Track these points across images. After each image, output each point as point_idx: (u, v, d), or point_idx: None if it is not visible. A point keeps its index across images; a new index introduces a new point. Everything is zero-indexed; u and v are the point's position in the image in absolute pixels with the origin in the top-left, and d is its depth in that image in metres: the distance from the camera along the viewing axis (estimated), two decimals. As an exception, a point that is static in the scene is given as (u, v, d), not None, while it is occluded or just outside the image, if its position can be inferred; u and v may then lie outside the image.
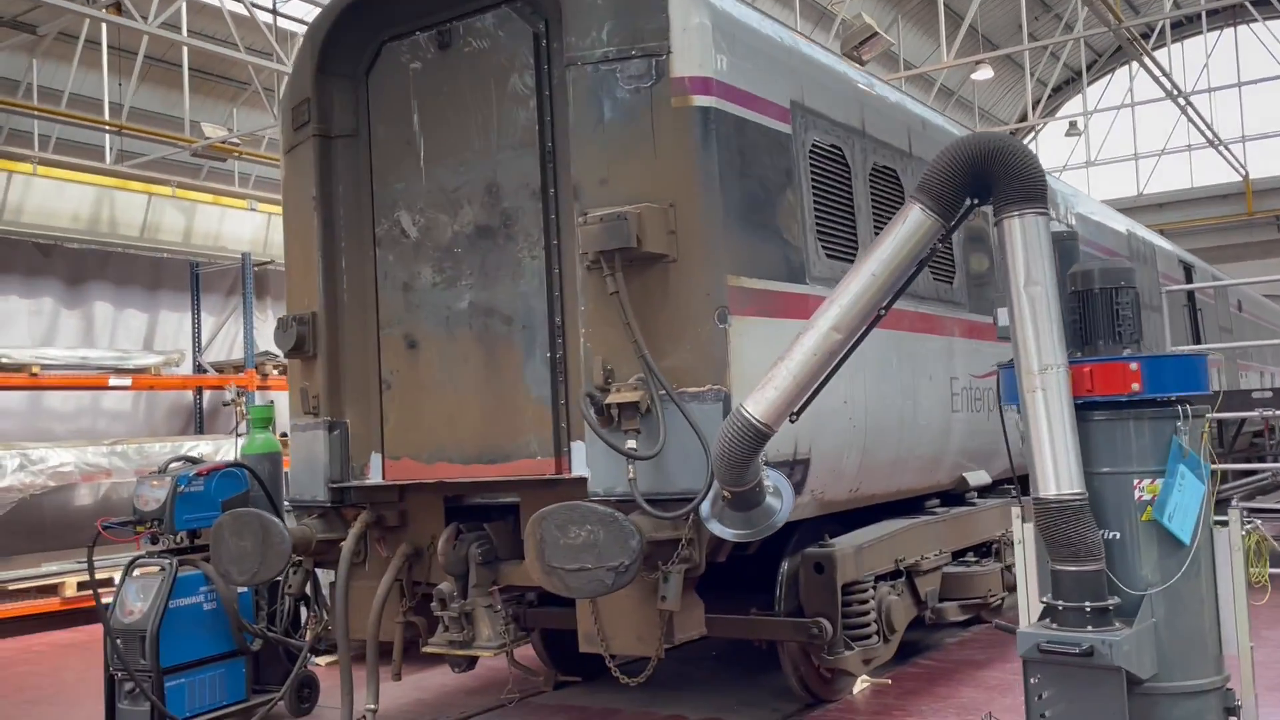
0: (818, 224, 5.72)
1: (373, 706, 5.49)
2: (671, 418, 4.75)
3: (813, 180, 5.71)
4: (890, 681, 6.76)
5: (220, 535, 5.74)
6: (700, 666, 7.51)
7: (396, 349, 5.81)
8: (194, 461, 6.53)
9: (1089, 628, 3.77)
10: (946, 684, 6.85)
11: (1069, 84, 35.09)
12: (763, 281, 5.20)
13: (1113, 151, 34.03)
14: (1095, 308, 4.18)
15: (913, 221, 4.04)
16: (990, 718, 4.54)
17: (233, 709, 6.33)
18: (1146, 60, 20.82)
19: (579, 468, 5.19)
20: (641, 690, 6.97)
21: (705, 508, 4.59)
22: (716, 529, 4.56)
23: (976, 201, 4.10)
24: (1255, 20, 30.92)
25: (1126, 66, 34.25)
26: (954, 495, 7.54)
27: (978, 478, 7.59)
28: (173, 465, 6.40)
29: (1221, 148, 26.92)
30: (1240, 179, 29.92)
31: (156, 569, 6.15)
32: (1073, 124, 31.27)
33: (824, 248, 5.75)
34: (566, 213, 5.29)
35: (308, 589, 6.56)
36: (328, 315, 5.95)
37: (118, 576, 6.35)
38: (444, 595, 5.33)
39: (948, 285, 7.17)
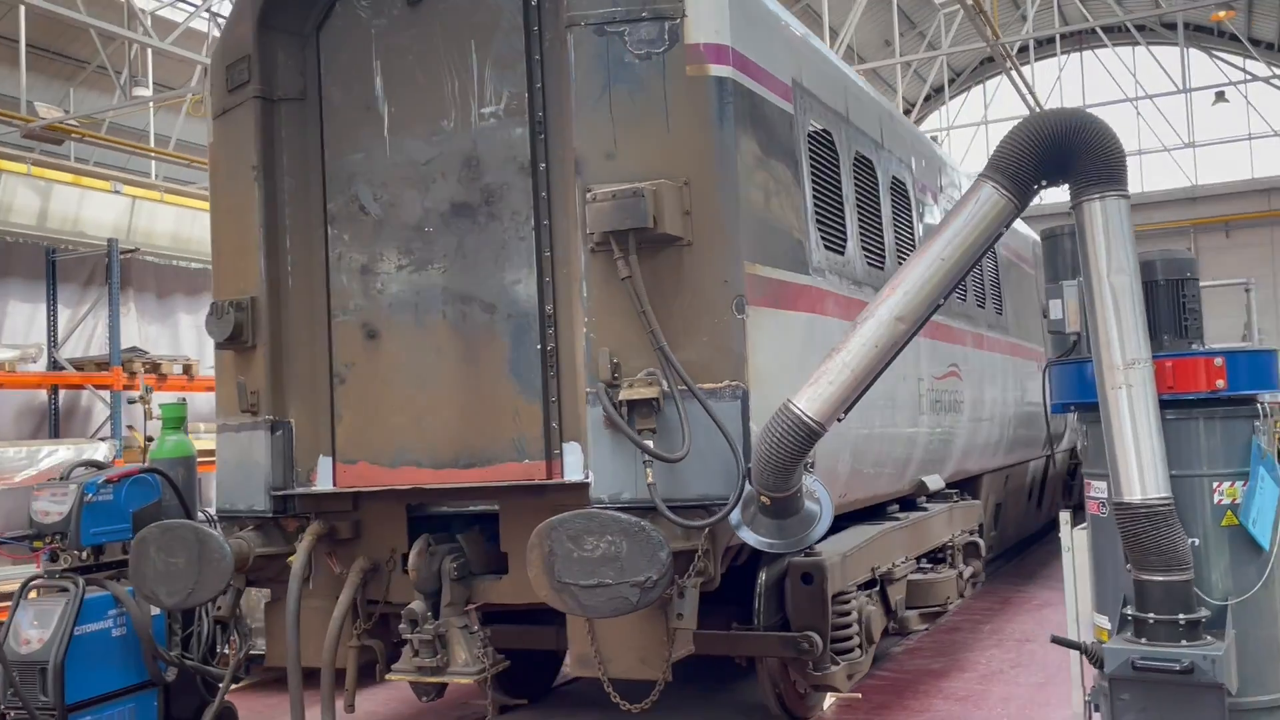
0: (816, 212, 5.36)
1: (330, 744, 4.84)
2: (689, 416, 4.29)
3: (811, 165, 5.35)
4: (860, 696, 6.45)
5: (144, 551, 4.99)
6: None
7: (352, 339, 5.17)
8: (99, 467, 5.72)
9: (1182, 642, 3.50)
10: (914, 696, 6.59)
11: (928, 100, 36.06)
12: (773, 270, 4.80)
13: (968, 167, 35.09)
14: (1160, 301, 3.93)
15: (985, 202, 3.71)
16: None
17: (144, 749, 5.55)
18: (1014, 75, 21.42)
19: (572, 472, 4.68)
20: (604, 713, 6.48)
21: (735, 515, 4.16)
22: (750, 538, 4.14)
23: (1045, 184, 3.80)
24: (1104, 46, 32.38)
25: (982, 85, 35.46)
26: (908, 501, 7.31)
27: (934, 482, 7.37)
28: (76, 471, 5.58)
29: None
30: (1088, 196, 31.18)
31: (57, 590, 5.33)
32: (934, 139, 32.09)
33: (822, 237, 5.40)
34: (560, 189, 4.78)
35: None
36: (270, 300, 5.26)
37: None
38: (415, 615, 4.73)
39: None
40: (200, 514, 6.10)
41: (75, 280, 13.51)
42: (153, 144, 22.13)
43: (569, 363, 4.72)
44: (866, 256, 6.09)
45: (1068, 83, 33.80)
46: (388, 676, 4.89)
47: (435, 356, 4.97)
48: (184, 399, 6.92)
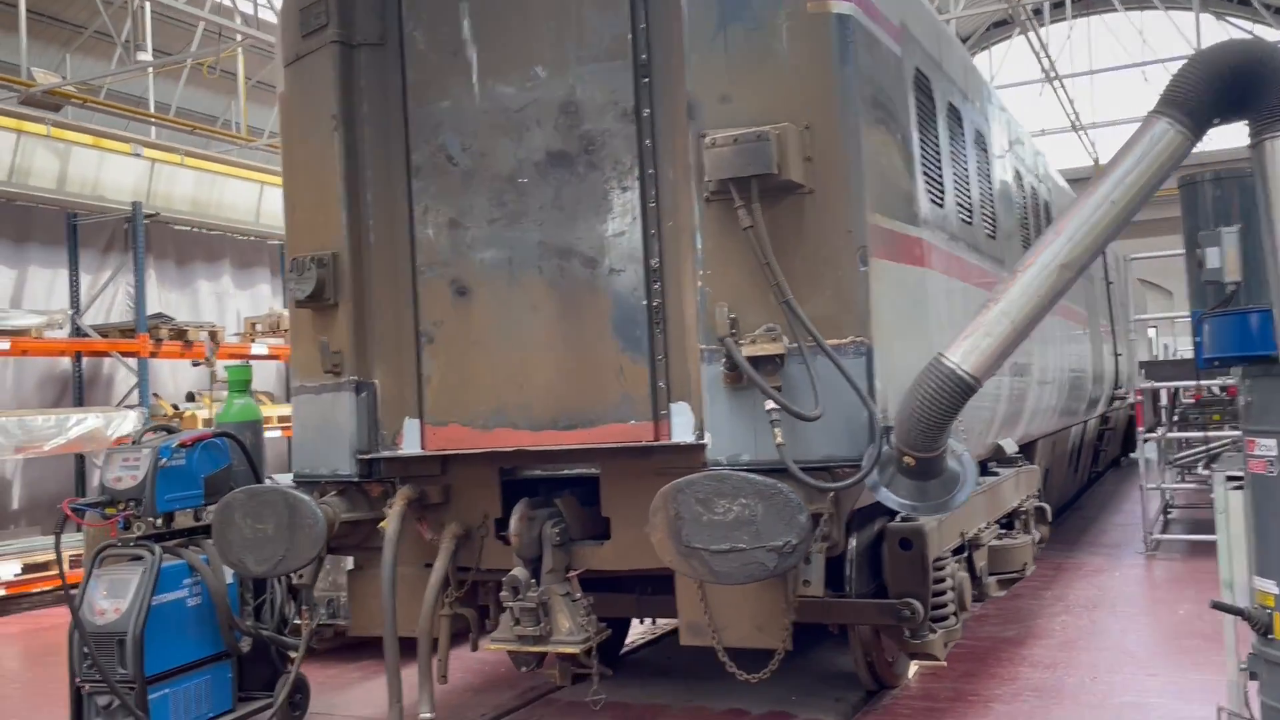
0: (921, 161, 5.13)
1: (429, 715, 4.65)
2: (815, 372, 4.08)
3: (916, 112, 5.12)
4: (945, 664, 6.28)
5: (229, 517, 4.79)
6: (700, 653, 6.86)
7: (440, 296, 4.94)
8: (169, 432, 5.50)
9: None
10: (998, 664, 6.44)
11: (936, 65, 35.62)
12: (889, 221, 4.59)
13: (976, 133, 34.67)
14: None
15: (1159, 139, 3.49)
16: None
17: (220, 721, 5.37)
18: (1032, 37, 21.12)
19: (681, 433, 4.48)
20: (676, 683, 6.32)
21: (873, 476, 3.96)
22: (891, 501, 3.94)
23: (1221, 120, 3.57)
24: (1114, 10, 32.00)
25: (988, 51, 35.08)
26: (980, 465, 7.12)
27: (1010, 446, 7.19)
28: (147, 436, 5.36)
29: (1080, 132, 27.73)
30: (1091, 164, 30.93)
31: (128, 559, 5.12)
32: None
33: (926, 188, 5.18)
34: (666, 136, 4.55)
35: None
36: (353, 256, 5.02)
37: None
38: (517, 583, 4.53)
39: (992, 237, 6.71)
40: (270, 479, 5.89)
41: (94, 246, 13.26)
42: (153, 110, 21.71)
43: (677, 319, 4.50)
44: (959, 211, 5.87)
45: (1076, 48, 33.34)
46: (488, 645, 4.70)
47: (531, 313, 4.75)
48: (249, 362, 6.69)
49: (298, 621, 5.83)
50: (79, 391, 12.52)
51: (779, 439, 3.99)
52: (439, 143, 4.95)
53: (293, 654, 5.50)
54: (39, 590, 10.36)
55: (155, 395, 12.11)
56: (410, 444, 5.02)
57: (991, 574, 6.60)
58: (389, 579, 4.67)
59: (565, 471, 4.89)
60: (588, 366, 4.63)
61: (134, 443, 5.24)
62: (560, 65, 4.70)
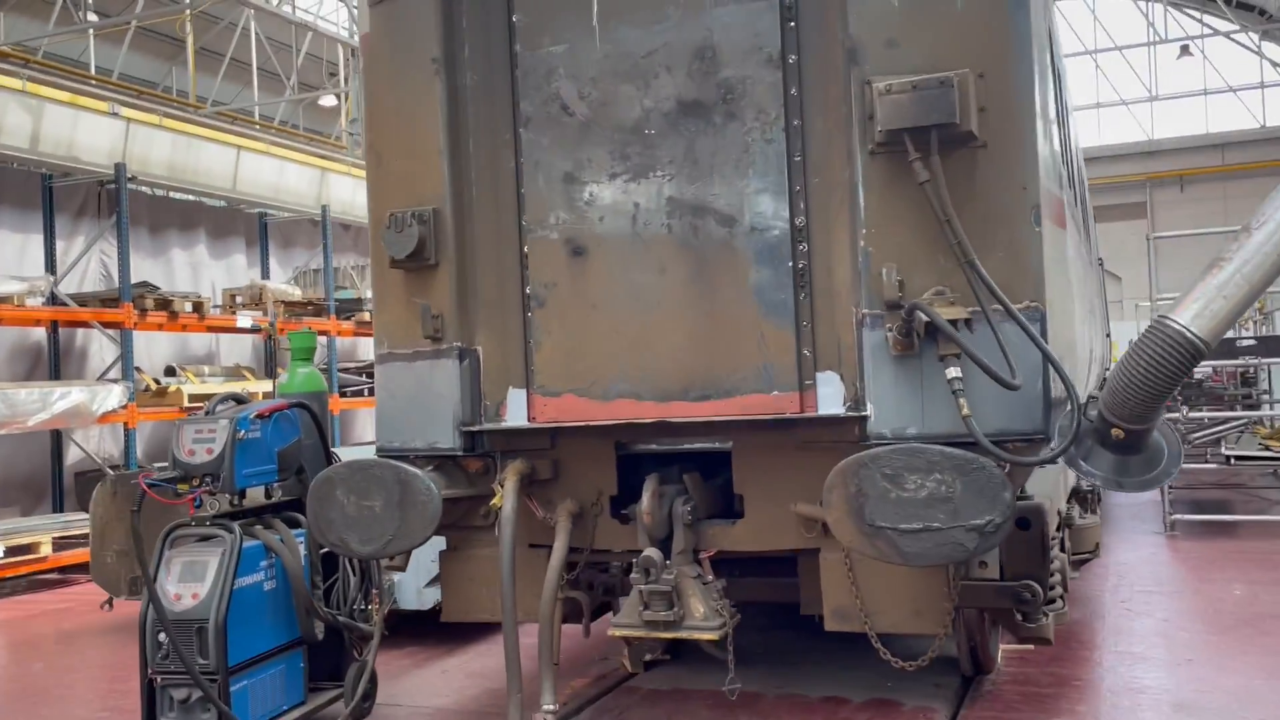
0: (1056, 118, 4.88)
1: (552, 707, 4.31)
2: (986, 341, 3.80)
3: (1052, 67, 4.86)
4: (1033, 647, 6.09)
5: (328, 494, 4.40)
6: (774, 638, 6.61)
7: (552, 256, 4.58)
8: (238, 401, 5.06)
9: None
10: (1080, 646, 6.27)
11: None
12: (1047, 179, 4.32)
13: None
14: None
15: None
16: None
17: (294, 715, 4.97)
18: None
19: (829, 404, 4.18)
20: (757, 669, 6.03)
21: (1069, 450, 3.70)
22: (1095, 476, 3.68)
23: None
24: (1072, -5, 32.14)
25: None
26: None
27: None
28: (220, 406, 4.92)
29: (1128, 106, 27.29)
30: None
31: (196, 539, 4.70)
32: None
33: (1059, 147, 4.93)
34: (814, 85, 4.23)
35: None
36: (456, 213, 4.64)
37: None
38: (652, 564, 4.20)
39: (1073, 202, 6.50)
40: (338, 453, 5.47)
41: (67, 210, 12.58)
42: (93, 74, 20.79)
43: (824, 283, 4.20)
44: (1065, 172, 5.64)
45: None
46: (612, 632, 4.36)
47: (658, 275, 4.41)
48: (310, 329, 6.24)
49: (370, 607, 5.45)
50: (54, 363, 11.86)
51: (965, 410, 3.70)
52: (552, 90, 4.57)
53: (367, 640, 5.13)
54: (15, 576, 9.78)
55: (138, 369, 11.50)
56: (515, 415, 4.65)
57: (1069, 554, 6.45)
58: (509, 561, 4.31)
59: (686, 446, 4.57)
60: (723, 333, 4.30)
61: (207, 413, 4.80)
62: (694, 6, 4.35)
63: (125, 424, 10.92)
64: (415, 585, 6.68)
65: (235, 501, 4.78)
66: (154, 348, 13.34)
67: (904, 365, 3.95)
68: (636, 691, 5.70)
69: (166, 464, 4.85)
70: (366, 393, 14.48)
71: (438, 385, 4.65)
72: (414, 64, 4.70)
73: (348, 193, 15.80)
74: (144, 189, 13.22)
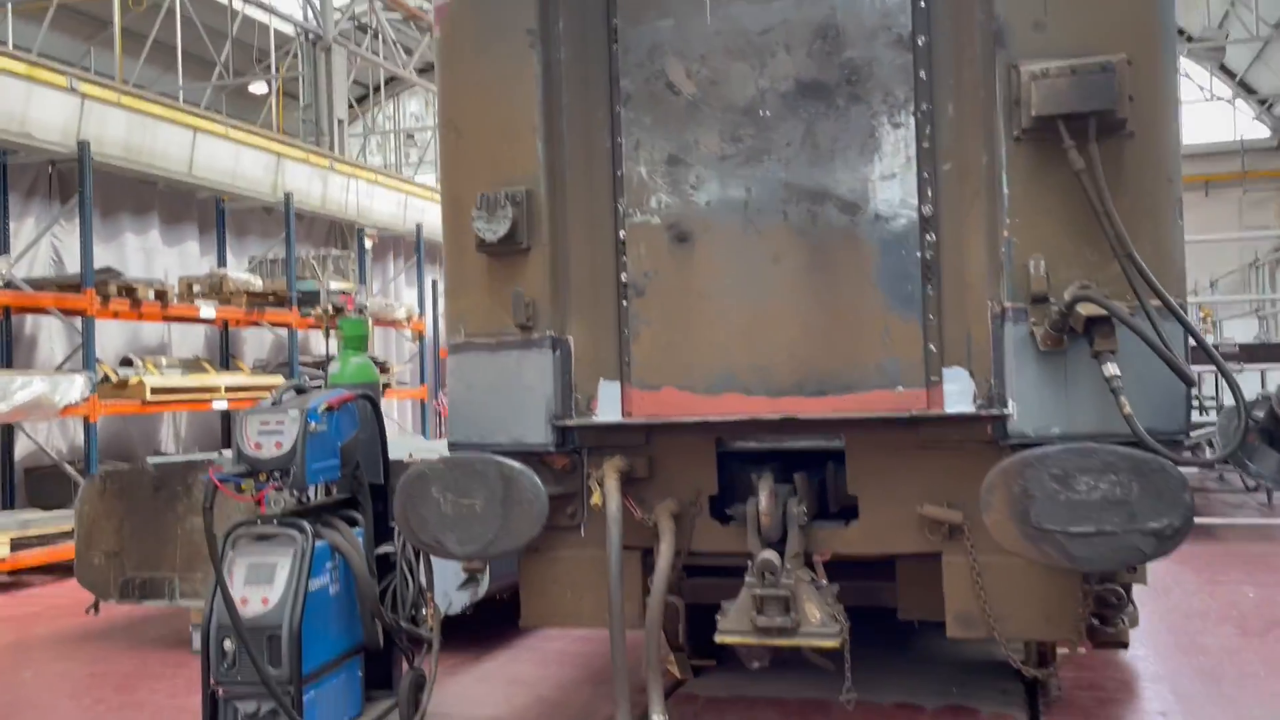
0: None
1: (662, 718, 4.07)
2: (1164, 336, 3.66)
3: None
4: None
5: (422, 491, 4.11)
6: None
7: (654, 242, 4.34)
8: (299, 391, 4.72)
9: None
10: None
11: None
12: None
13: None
14: None
15: None
16: None
17: (353, 727, 4.65)
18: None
19: (956, 402, 4.01)
20: (820, 674, 5.85)
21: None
22: (1265, 477, 3.57)
23: None
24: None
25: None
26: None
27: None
28: (286, 396, 4.57)
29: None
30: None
31: (254, 539, 4.35)
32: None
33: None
34: (943, 67, 4.07)
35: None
36: (551, 194, 4.37)
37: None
38: (771, 567, 3.99)
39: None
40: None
41: (18, 190, 11.88)
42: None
43: (953, 275, 4.03)
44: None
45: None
46: (719, 639, 4.13)
47: (771, 264, 4.20)
48: (364, 316, 5.88)
49: (425, 612, 5.15)
50: (6, 352, 11.18)
51: (1126, 408, 3.56)
52: (656, 67, 4.34)
53: (419, 647, 4.84)
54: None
55: (98, 360, 10.90)
56: (607, 410, 4.40)
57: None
58: (617, 564, 4.06)
59: (788, 444, 4.36)
60: (843, 325, 4.11)
61: (274, 403, 4.45)
62: (816, -17, 4.15)
63: (86, 417, 10.34)
64: (441, 589, 6.37)
65: (303, 499, 4.44)
66: (104, 338, 12.68)
67: (1047, 361, 3.80)
68: (695, 700, 5.47)
69: (196, 455, 4.50)
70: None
71: (527, 377, 4.38)
72: (505, 35, 4.42)
73: (303, 181, 15.27)
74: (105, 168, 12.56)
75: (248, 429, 4.37)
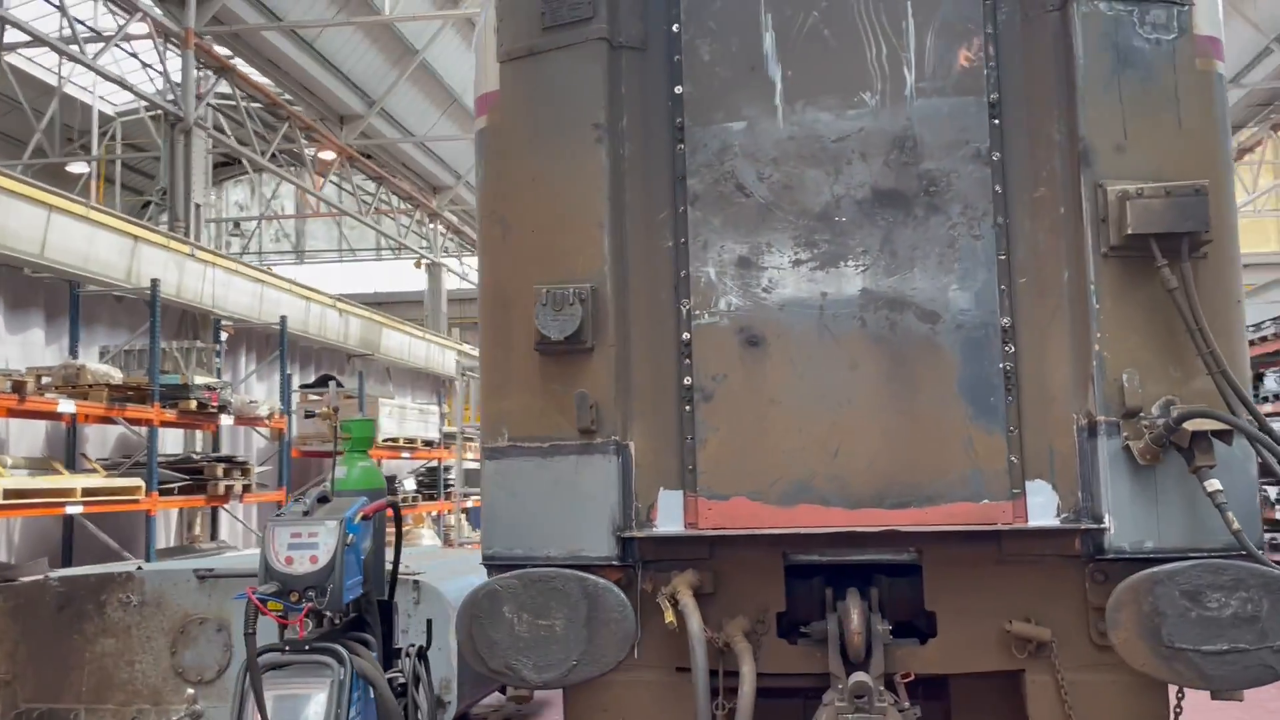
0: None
1: None
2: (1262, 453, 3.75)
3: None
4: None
5: (492, 610, 3.76)
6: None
7: (723, 345, 4.18)
8: (321, 500, 4.27)
9: None
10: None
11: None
12: (1219, 294, 4.38)
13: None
14: None
15: None
16: None
17: None
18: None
19: (1040, 514, 3.99)
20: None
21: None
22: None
23: None
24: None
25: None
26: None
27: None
28: (314, 501, 4.13)
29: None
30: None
31: (295, 667, 3.88)
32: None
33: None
34: (1018, 183, 4.13)
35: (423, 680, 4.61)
36: (616, 293, 4.18)
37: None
38: (865, 690, 3.80)
39: None
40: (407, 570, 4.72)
41: None
42: None
43: (1034, 387, 4.04)
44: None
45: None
46: (807, 768, 3.90)
47: (849, 371, 4.11)
48: (371, 418, 5.38)
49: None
50: None
51: (1235, 524, 3.60)
52: (726, 169, 4.24)
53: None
54: None
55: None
56: (668, 520, 4.17)
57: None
58: (705, 690, 3.78)
59: (856, 557, 4.22)
60: (924, 435, 4.04)
61: (305, 513, 4.00)
62: (894, 95, 4.18)
63: (-71, 522, 9.21)
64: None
65: (338, 620, 3.99)
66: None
67: (1140, 475, 3.83)
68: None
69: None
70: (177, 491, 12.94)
71: (587, 484, 4.11)
72: (566, 128, 4.25)
73: (159, 267, 14.37)
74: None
75: (276, 541, 3.92)
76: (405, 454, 18.52)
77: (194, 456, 13.64)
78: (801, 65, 4.24)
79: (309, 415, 10.52)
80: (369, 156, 25.70)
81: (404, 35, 22.53)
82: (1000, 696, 4.35)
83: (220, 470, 13.31)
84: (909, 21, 4.20)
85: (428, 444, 19.17)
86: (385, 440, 17.20)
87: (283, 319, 15.61)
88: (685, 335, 4.22)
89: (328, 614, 3.90)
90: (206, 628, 6.05)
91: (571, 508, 4.11)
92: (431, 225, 30.01)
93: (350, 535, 3.97)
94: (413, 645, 4.62)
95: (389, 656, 4.54)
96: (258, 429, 15.56)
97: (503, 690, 5.08)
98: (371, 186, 27.21)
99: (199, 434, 15.42)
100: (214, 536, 15.60)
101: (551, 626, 3.73)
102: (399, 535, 4.49)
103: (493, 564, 4.22)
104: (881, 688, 3.94)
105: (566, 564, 4.05)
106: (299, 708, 3.77)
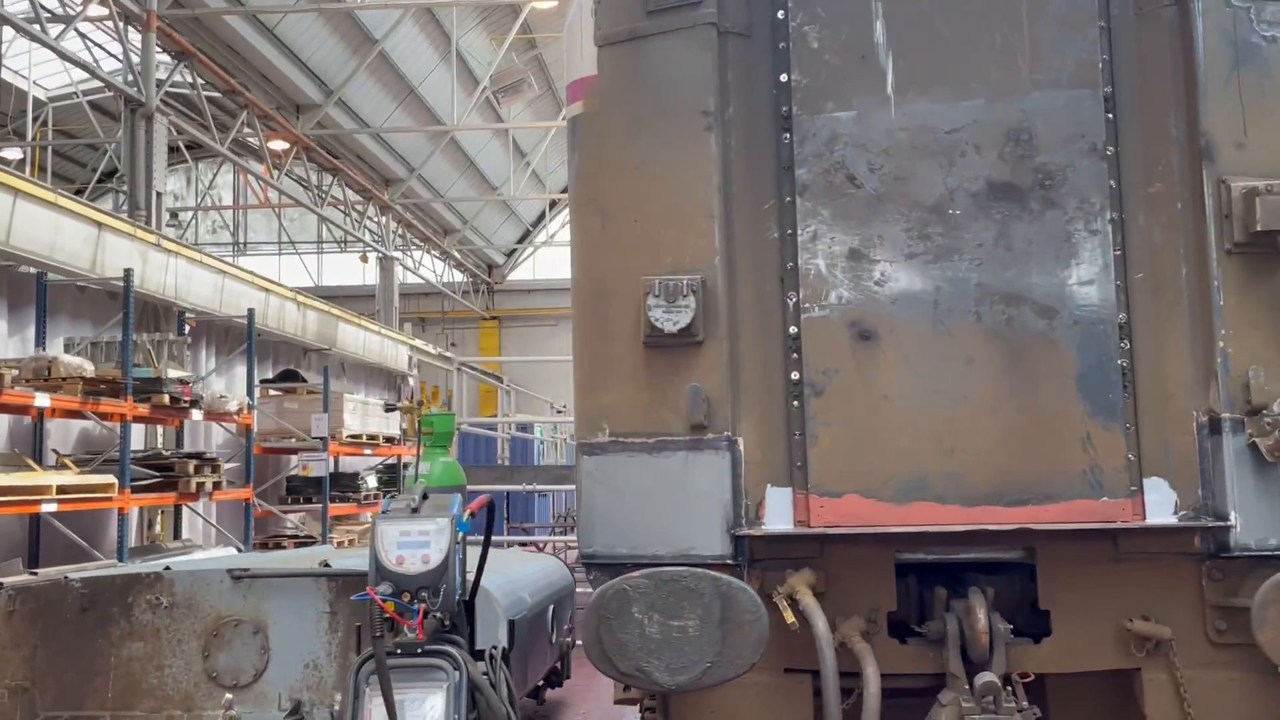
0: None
1: None
2: None
3: None
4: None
5: (620, 611, 3.62)
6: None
7: (834, 339, 4.09)
8: (424, 496, 4.08)
9: None
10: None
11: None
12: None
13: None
14: None
15: None
16: None
17: None
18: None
19: (1158, 512, 3.96)
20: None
21: None
22: None
23: None
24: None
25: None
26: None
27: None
28: (421, 498, 3.95)
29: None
30: None
31: (408, 670, 3.71)
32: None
33: None
34: (1132, 179, 4.10)
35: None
36: (727, 285, 4.07)
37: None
38: (994, 691, 3.74)
39: None
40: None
41: None
42: None
43: (1150, 383, 4.01)
44: None
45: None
46: (927, 774, 3.82)
47: (964, 366, 4.04)
48: (451, 410, 5.19)
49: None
50: None
51: (1360, 522, 3.61)
52: (835, 159, 4.15)
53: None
54: None
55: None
56: (776, 518, 4.08)
57: None
58: (835, 692, 3.69)
59: (967, 555, 4.16)
60: (1041, 432, 3.99)
61: (413, 510, 3.82)
62: (1009, 86, 4.12)
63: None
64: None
65: (447, 622, 3.82)
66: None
67: (1265, 472, 3.82)
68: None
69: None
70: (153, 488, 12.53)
71: (697, 481, 4.00)
72: (673, 116, 4.13)
73: (123, 256, 13.90)
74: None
75: (385, 540, 3.74)
76: (367, 450, 18.18)
77: (164, 453, 13.20)
78: (913, 54, 4.16)
79: (389, 409, 9.95)
80: (323, 147, 25.19)
81: (364, 24, 22.11)
82: (1096, 697, 4.32)
83: (191, 467, 12.92)
84: (1023, 11, 4.14)
85: (389, 440, 18.83)
86: (349, 437, 16.86)
87: (250, 311, 15.19)
88: (793, 329, 4.12)
89: (438, 615, 3.72)
90: (241, 630, 5.80)
91: (680, 505, 3.99)
92: (383, 218, 29.54)
93: (462, 533, 3.80)
94: (495, 646, 4.45)
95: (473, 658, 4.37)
96: (223, 424, 15.14)
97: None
98: (317, 178, 26.68)
99: (159, 429, 14.96)
100: (177, 535, 15.14)
101: (684, 627, 3.60)
102: (488, 534, 4.32)
103: (593, 562, 4.10)
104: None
105: (675, 562, 3.93)
106: (416, 711, 3.60)
